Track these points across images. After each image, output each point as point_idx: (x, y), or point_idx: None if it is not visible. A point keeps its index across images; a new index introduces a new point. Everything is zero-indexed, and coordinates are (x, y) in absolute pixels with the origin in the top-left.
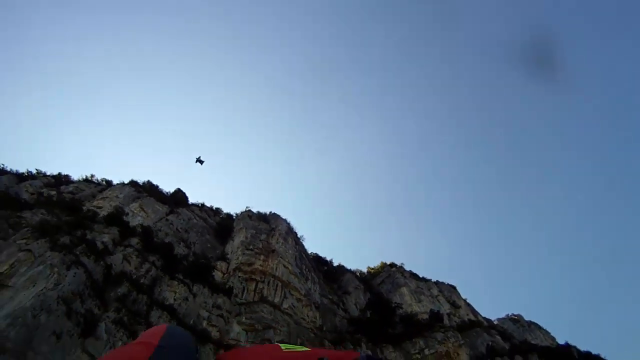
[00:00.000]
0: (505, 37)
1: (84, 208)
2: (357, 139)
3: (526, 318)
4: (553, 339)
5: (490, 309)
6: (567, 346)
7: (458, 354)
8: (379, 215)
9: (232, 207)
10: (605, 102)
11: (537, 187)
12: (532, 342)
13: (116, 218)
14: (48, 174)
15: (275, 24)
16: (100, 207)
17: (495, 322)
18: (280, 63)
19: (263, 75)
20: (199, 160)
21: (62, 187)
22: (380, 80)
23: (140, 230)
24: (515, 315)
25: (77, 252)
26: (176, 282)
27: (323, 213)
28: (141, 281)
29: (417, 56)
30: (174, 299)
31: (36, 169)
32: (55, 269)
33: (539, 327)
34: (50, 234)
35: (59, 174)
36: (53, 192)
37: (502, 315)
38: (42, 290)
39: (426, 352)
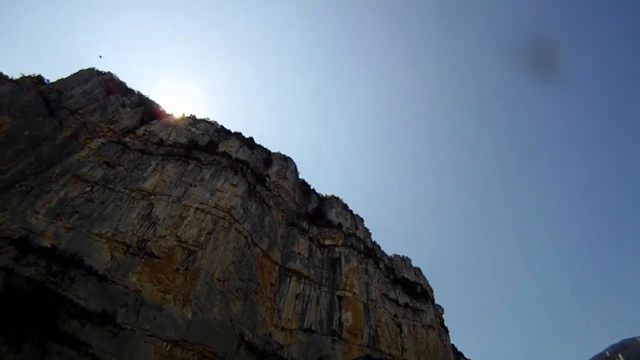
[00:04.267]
0: (506, 38)
1: (220, 151)
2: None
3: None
4: (425, 281)
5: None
6: (415, 284)
7: (335, 240)
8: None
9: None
10: (604, 102)
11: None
12: (402, 274)
13: (246, 162)
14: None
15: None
16: (230, 152)
17: (390, 255)
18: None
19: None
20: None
21: (198, 126)
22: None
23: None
24: (406, 257)
25: (246, 176)
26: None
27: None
28: None
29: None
30: None
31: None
32: (245, 183)
33: (420, 272)
34: (236, 170)
35: (192, 115)
36: (197, 132)
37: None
38: (245, 188)
39: (324, 231)
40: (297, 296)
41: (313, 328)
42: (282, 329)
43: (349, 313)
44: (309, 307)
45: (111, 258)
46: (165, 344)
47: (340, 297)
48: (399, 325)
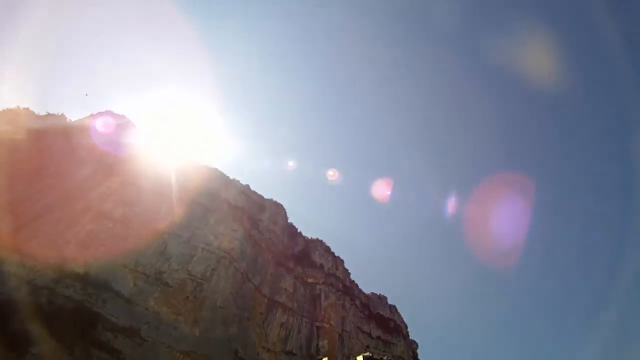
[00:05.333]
0: None
1: (221, 198)
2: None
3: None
4: (399, 317)
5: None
6: (389, 320)
7: (317, 279)
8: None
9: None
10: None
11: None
12: (377, 311)
13: (243, 209)
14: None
15: None
16: (229, 199)
17: (368, 293)
18: None
19: None
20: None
21: (202, 172)
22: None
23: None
24: (383, 295)
25: (243, 223)
26: None
27: None
28: None
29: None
30: None
31: None
32: (243, 228)
33: (396, 309)
34: (235, 217)
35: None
36: (201, 178)
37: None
38: (242, 233)
39: (308, 270)
40: (282, 324)
41: (294, 351)
42: (268, 350)
43: (326, 341)
44: (292, 334)
45: (134, 285)
46: (178, 354)
47: (318, 327)
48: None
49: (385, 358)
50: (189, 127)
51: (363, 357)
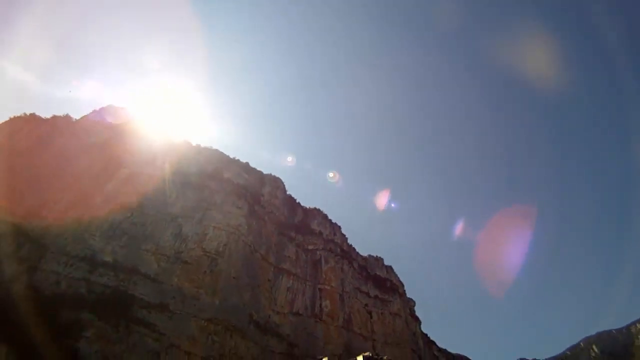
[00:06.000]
0: None
1: (225, 177)
2: None
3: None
4: (395, 277)
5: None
6: (385, 280)
7: (317, 245)
8: None
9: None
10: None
11: None
12: (374, 272)
13: (245, 186)
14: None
15: None
16: (232, 178)
17: (365, 255)
18: None
19: None
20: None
21: (203, 154)
22: None
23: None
24: (379, 257)
25: (247, 199)
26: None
27: None
28: None
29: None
30: None
31: None
32: (247, 204)
33: (392, 270)
34: (239, 195)
35: (197, 144)
36: (203, 161)
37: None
38: (247, 209)
39: (308, 238)
40: (288, 289)
41: (300, 312)
42: (278, 312)
43: (328, 301)
44: (297, 297)
45: (157, 266)
46: (202, 321)
47: (320, 290)
48: (369, 312)
49: (385, 358)
50: (187, 114)
51: (363, 357)
